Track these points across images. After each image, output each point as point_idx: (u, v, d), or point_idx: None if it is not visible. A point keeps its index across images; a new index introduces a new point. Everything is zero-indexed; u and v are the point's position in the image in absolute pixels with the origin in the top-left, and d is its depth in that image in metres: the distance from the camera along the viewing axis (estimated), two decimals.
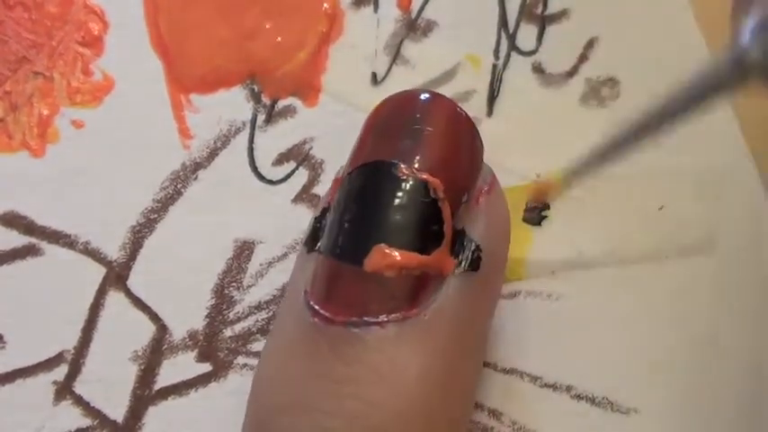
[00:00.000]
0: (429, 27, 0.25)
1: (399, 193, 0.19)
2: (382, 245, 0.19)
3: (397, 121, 0.20)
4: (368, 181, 0.19)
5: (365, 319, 0.19)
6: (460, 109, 0.20)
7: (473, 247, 0.20)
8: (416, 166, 0.19)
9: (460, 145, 0.20)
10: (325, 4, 0.25)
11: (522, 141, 0.25)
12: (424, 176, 0.19)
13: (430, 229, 0.19)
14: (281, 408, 0.19)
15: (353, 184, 0.20)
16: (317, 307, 0.19)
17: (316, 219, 0.21)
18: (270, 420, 0.19)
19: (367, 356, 0.19)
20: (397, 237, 0.19)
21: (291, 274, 0.22)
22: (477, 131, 0.20)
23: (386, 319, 0.19)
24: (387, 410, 0.18)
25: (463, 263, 0.20)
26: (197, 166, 0.25)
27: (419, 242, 0.19)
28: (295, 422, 0.19)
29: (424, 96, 0.20)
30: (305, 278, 0.20)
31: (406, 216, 0.19)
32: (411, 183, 0.19)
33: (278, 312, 0.23)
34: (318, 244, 0.20)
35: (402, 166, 0.19)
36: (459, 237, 0.20)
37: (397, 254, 0.19)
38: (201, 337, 0.24)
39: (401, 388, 0.19)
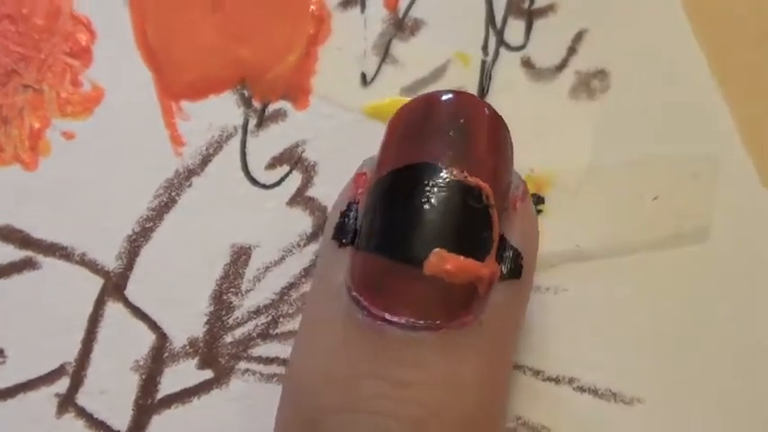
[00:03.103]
0: (417, 26, 0.25)
1: (455, 197, 0.19)
2: (441, 249, 0.18)
3: (435, 124, 0.20)
4: (415, 181, 0.19)
5: (422, 322, 0.19)
6: (498, 114, 0.20)
7: (513, 255, 0.20)
8: (466, 170, 0.19)
9: (503, 150, 0.20)
10: (312, 6, 0.25)
11: (513, 136, 0.25)
12: (475, 181, 0.19)
13: (481, 235, 0.19)
14: (331, 407, 0.19)
15: (400, 182, 0.19)
16: (366, 304, 0.19)
17: (342, 212, 0.20)
18: (320, 420, 0.19)
19: (425, 361, 0.19)
20: (452, 241, 0.19)
21: (317, 267, 0.21)
22: (510, 135, 0.20)
23: (442, 324, 0.19)
24: (445, 417, 0.18)
25: (506, 270, 0.20)
26: (190, 172, 0.25)
27: (473, 248, 0.19)
28: (349, 421, 0.18)
29: (464, 99, 0.20)
30: (335, 272, 0.20)
31: (461, 221, 0.19)
32: (465, 187, 0.19)
33: (308, 308, 0.23)
34: (355, 238, 0.20)
35: (454, 170, 0.19)
36: (503, 243, 0.20)
37: (455, 259, 0.18)
38: (202, 344, 0.24)
39: (458, 394, 0.19)
